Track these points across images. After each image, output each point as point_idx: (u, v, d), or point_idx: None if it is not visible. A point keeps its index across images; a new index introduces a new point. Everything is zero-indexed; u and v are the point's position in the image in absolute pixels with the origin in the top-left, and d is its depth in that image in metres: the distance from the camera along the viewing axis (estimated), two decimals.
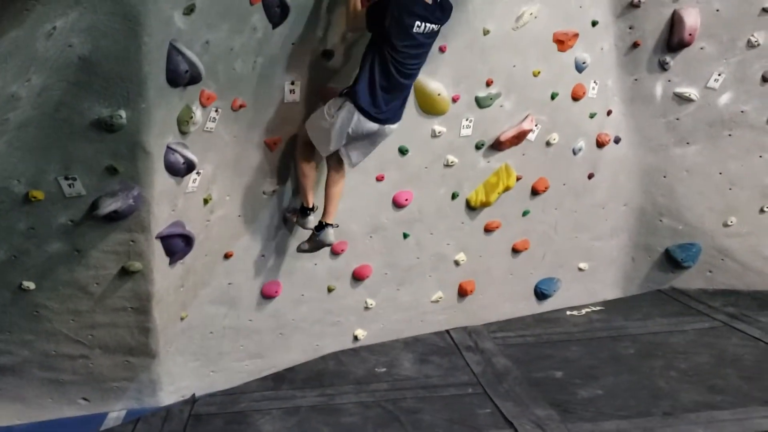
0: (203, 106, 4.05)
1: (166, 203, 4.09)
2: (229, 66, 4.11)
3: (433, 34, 4.50)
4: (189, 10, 3.47)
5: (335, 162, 4.78)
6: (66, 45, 3.06)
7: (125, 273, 4.15)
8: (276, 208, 5.06)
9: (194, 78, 3.72)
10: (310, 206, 4.87)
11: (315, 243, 4.88)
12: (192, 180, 4.24)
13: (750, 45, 5.81)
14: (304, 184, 4.84)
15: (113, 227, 3.93)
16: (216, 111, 4.20)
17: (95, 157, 3.62)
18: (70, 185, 3.68)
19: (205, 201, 4.52)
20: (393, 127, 4.65)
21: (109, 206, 3.77)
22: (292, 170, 4.97)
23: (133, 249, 4.07)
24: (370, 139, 4.65)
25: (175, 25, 3.45)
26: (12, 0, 2.37)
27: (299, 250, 5.00)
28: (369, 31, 4.40)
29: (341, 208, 5.01)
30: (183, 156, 3.97)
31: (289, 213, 5.07)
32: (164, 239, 4.18)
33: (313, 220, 4.88)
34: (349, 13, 4.46)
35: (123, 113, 3.47)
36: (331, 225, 4.85)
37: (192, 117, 3.93)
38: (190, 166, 4.06)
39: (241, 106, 4.41)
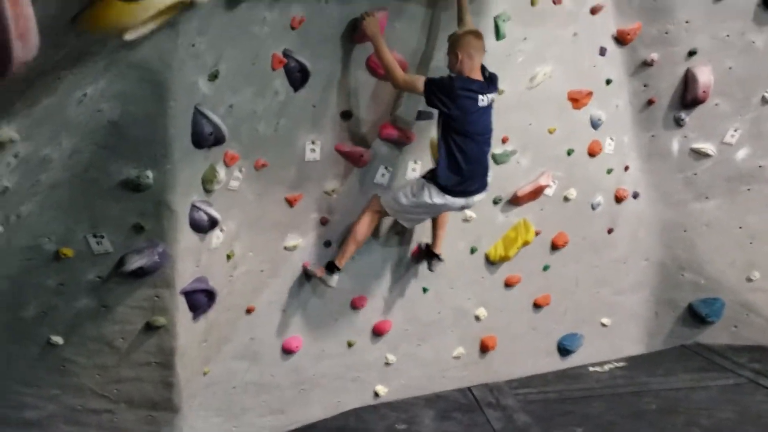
0: (227, 165, 4.22)
1: (190, 259, 4.22)
2: (252, 128, 4.30)
3: (492, 103, 4.69)
4: (213, 77, 3.67)
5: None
6: (96, 110, 3.25)
7: (150, 328, 4.26)
8: (297, 264, 5.17)
9: (218, 140, 3.90)
10: (341, 268, 5.02)
11: (322, 282, 5.09)
12: (216, 236, 4.38)
13: (764, 101, 5.89)
14: (350, 250, 5.00)
15: (139, 283, 4.06)
16: (240, 170, 4.37)
17: (122, 215, 3.78)
18: (98, 243, 3.83)
19: (228, 257, 4.65)
20: (482, 195, 4.86)
21: (135, 263, 3.91)
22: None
23: (157, 304, 4.19)
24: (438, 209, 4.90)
25: (200, 90, 3.64)
26: (45, 70, 2.55)
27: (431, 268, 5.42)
28: (428, 104, 4.60)
29: (360, 264, 5.12)
30: (207, 213, 4.12)
31: (311, 268, 5.18)
32: (188, 294, 4.30)
33: (337, 279, 5.02)
34: (394, 76, 4.55)
35: (150, 174, 3.63)
36: (439, 257, 5.35)
37: (216, 176, 4.09)
38: (213, 223, 4.20)
39: (263, 165, 4.57)
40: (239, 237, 4.70)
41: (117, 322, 4.20)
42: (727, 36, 5.69)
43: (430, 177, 4.72)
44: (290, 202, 4.92)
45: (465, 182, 4.66)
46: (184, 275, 4.24)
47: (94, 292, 4.05)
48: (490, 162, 5.46)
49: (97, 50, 2.75)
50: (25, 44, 1.72)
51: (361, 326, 5.56)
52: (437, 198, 4.68)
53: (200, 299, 4.43)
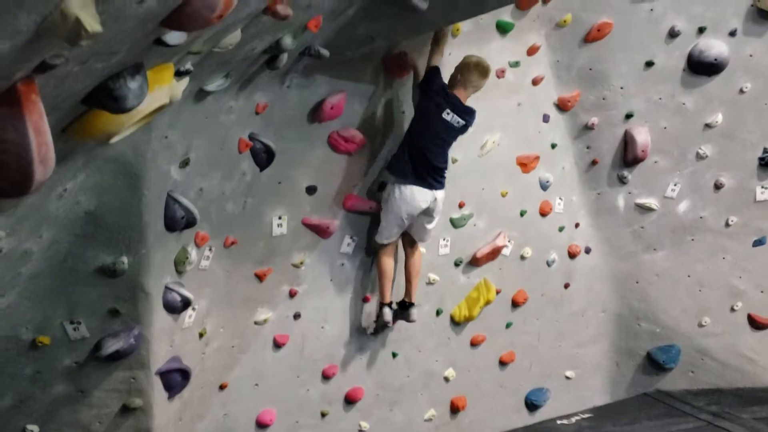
0: (198, 246, 4.37)
1: (165, 340, 4.31)
2: (221, 208, 4.48)
3: (458, 129, 5.10)
4: (184, 164, 3.86)
5: (407, 244, 5.37)
6: (74, 202, 3.39)
7: (126, 410, 4.29)
8: (268, 337, 5.27)
9: (190, 222, 4.06)
10: (388, 302, 5.35)
11: (398, 320, 5.46)
12: (188, 316, 4.48)
13: (699, 157, 6.31)
14: (383, 283, 5.34)
15: (115, 366, 4.12)
16: (210, 249, 4.52)
17: (99, 300, 3.87)
18: (75, 329, 3.90)
19: (201, 335, 4.75)
20: (437, 193, 5.18)
21: (111, 346, 3.98)
22: (286, 297, 5.28)
23: (133, 386, 4.24)
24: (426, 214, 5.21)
25: (171, 177, 3.83)
26: None
27: (376, 332, 5.59)
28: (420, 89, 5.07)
29: (330, 333, 5.26)
30: (180, 294, 4.23)
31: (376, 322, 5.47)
32: (163, 375, 4.36)
33: (389, 312, 5.37)
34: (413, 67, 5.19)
35: (125, 259, 3.76)
36: (413, 304, 5.45)
37: (188, 257, 4.24)
38: (186, 303, 4.31)
39: (233, 243, 4.73)
40: (210, 314, 4.81)
41: (94, 407, 4.22)
42: (660, 99, 6.14)
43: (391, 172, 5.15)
44: (260, 277, 5.06)
45: (415, 172, 5.04)
46: (159, 356, 4.31)
47: (71, 377, 4.09)
48: (450, 226, 5.75)
49: (78, 150, 2.93)
50: (45, 167, 1.91)
51: (334, 395, 5.64)
52: (399, 193, 5.05)
53: (175, 379, 4.49)
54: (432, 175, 5.09)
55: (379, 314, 5.42)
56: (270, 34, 3.50)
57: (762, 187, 6.32)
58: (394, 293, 5.46)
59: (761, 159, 6.26)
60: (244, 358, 5.20)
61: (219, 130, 4.14)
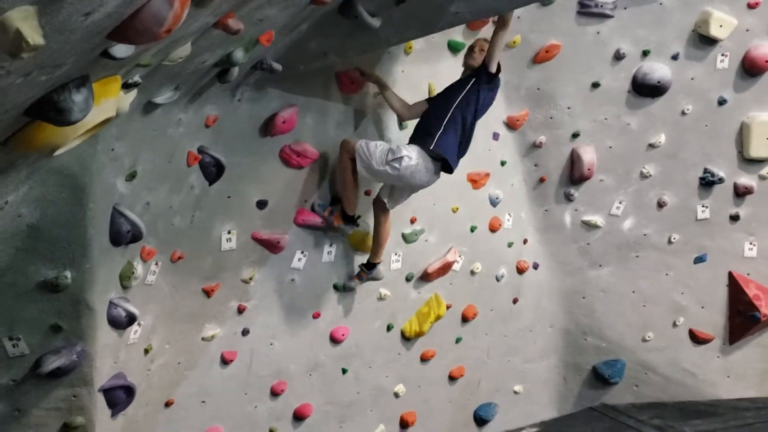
0: (144, 261, 4.29)
1: (109, 356, 4.20)
2: (168, 222, 4.41)
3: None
4: (131, 177, 3.79)
5: (383, 210, 5.28)
6: (16, 215, 3.30)
7: (67, 429, 4.15)
8: (215, 354, 5.19)
9: (136, 236, 3.98)
10: (353, 216, 5.31)
11: (366, 280, 5.46)
12: (134, 332, 4.38)
13: (643, 176, 6.50)
14: (352, 197, 5.22)
15: (56, 384, 3.99)
16: (156, 264, 4.44)
17: (40, 316, 3.75)
18: (14, 345, 3.77)
19: (146, 351, 4.65)
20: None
21: (52, 363, 3.85)
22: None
23: (75, 404, 4.11)
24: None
25: (117, 190, 3.75)
26: None
27: (347, 288, 5.58)
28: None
29: (278, 349, 5.21)
30: (125, 309, 4.14)
31: (328, 216, 5.31)
32: (106, 392, 4.24)
33: (382, 270, 5.49)
34: (397, 110, 5.30)
35: (68, 274, 3.66)
36: (380, 263, 5.45)
37: (134, 272, 4.15)
38: (131, 319, 4.21)
39: (180, 258, 4.66)
40: (157, 330, 4.72)
41: (32, 426, 4.07)
42: (605, 119, 6.31)
43: (434, 148, 4.95)
44: (207, 293, 4.99)
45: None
46: (103, 372, 4.20)
47: (8, 396, 3.94)
48: (401, 241, 5.78)
49: (20, 161, 2.85)
50: None
51: (282, 412, 5.58)
52: (429, 170, 4.99)
53: (119, 396, 4.38)
54: None
55: (371, 274, 5.45)
56: (221, 48, 3.48)
57: (702, 206, 6.54)
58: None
59: (702, 179, 6.47)
60: (191, 375, 5.11)
61: (167, 143, 4.08)
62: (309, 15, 3.88)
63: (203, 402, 5.19)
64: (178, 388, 5.06)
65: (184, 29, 2.58)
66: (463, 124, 4.97)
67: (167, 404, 5.02)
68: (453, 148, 4.99)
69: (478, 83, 4.97)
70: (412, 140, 5.07)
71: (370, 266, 5.44)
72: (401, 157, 4.87)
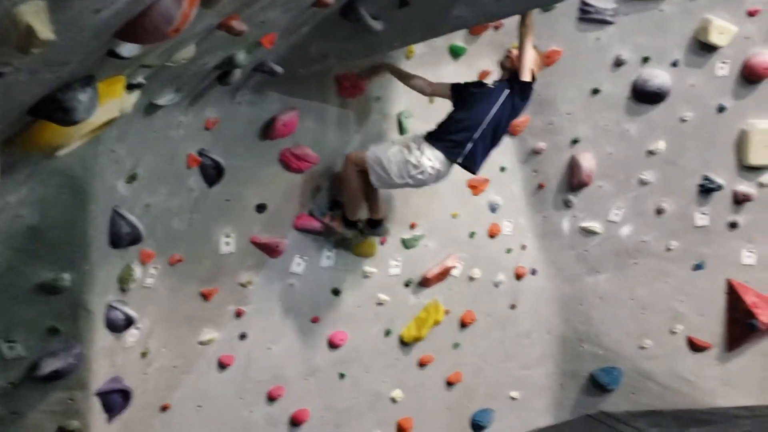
0: (143, 263, 4.26)
1: (106, 359, 4.17)
2: (167, 225, 4.38)
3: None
4: (131, 179, 3.77)
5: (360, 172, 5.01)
6: (15, 216, 3.27)
7: None
8: (212, 358, 5.16)
9: (135, 239, 3.95)
10: (355, 220, 5.21)
11: (342, 235, 5.25)
12: (131, 335, 4.35)
13: (642, 182, 6.49)
14: (356, 205, 5.14)
15: (52, 386, 3.95)
16: (155, 267, 4.41)
17: (38, 318, 3.72)
18: (10, 347, 3.73)
19: (143, 354, 4.61)
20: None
21: (49, 366, 3.81)
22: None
23: (71, 407, 4.07)
24: None
25: (118, 192, 3.73)
26: None
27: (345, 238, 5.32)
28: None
29: (276, 353, 5.18)
30: (123, 312, 4.10)
31: (329, 222, 5.24)
32: (103, 395, 4.21)
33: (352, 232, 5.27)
34: (419, 87, 5.03)
35: (67, 276, 3.63)
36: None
37: (132, 275, 4.12)
38: (129, 322, 4.18)
39: (178, 261, 4.63)
40: (154, 333, 4.68)
41: (28, 429, 4.03)
42: (605, 125, 6.30)
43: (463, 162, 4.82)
44: (205, 296, 4.95)
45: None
46: (99, 376, 4.16)
47: (4, 399, 3.89)
48: (401, 246, 5.76)
49: (22, 162, 2.82)
50: None
51: (279, 417, 5.55)
52: (443, 173, 4.85)
53: (115, 400, 4.34)
54: None
55: (344, 232, 5.26)
56: (223, 50, 3.46)
57: (701, 213, 6.54)
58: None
59: (701, 186, 6.48)
60: (187, 379, 5.07)
61: (168, 145, 4.06)
62: (311, 17, 3.87)
63: (199, 406, 5.15)
64: (174, 392, 5.02)
65: (191, 30, 2.56)
66: (493, 138, 4.84)
67: (163, 408, 4.98)
68: (481, 159, 4.89)
69: (512, 95, 4.80)
70: (435, 141, 4.77)
71: (374, 223, 5.25)
72: (424, 170, 4.74)
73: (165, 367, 4.90)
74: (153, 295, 4.52)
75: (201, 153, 4.42)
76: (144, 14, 1.96)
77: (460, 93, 4.88)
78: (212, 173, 4.55)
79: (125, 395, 4.41)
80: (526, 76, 4.78)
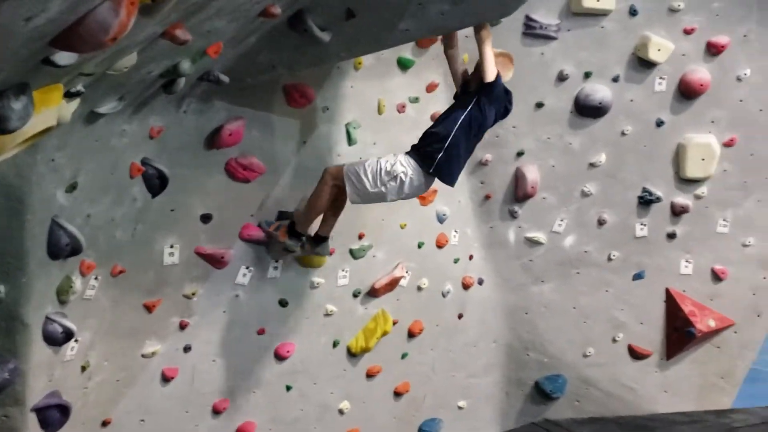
0: (83, 275, 4.16)
1: (43, 374, 4.05)
2: (109, 235, 4.29)
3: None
4: (71, 188, 3.68)
5: (335, 186, 4.97)
6: None
7: None
8: (156, 371, 5.06)
9: (75, 250, 3.86)
10: (304, 234, 5.13)
11: (286, 246, 5.13)
12: (70, 348, 4.24)
13: (584, 194, 6.65)
14: (311, 218, 5.07)
15: None
16: (96, 278, 4.31)
17: None
18: None
19: (83, 368, 4.50)
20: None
21: None
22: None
23: (5, 425, 3.95)
24: None
25: (57, 202, 3.64)
26: None
27: (286, 249, 5.19)
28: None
29: (221, 366, 5.11)
30: (62, 325, 4.00)
31: (273, 231, 5.15)
32: (40, 411, 4.10)
33: (298, 245, 5.16)
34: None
35: (2, 288, 3.53)
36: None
37: (72, 287, 4.02)
38: (68, 335, 4.08)
39: (120, 272, 4.54)
40: (95, 346, 4.58)
41: None
42: (548, 138, 6.44)
43: (435, 171, 4.81)
44: (149, 308, 4.87)
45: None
46: (36, 391, 4.05)
47: None
48: (349, 256, 5.77)
49: None
50: None
51: (224, 430, 5.47)
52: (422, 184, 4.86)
53: (53, 415, 4.23)
54: None
55: (287, 244, 5.13)
56: (168, 58, 3.43)
57: (641, 224, 6.73)
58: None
59: (640, 198, 6.66)
60: (130, 393, 4.97)
61: (110, 154, 3.98)
62: (258, 27, 3.86)
63: (142, 420, 5.05)
64: (117, 406, 4.91)
65: (131, 38, 2.53)
66: (466, 147, 4.87)
67: (104, 423, 4.86)
68: (453, 169, 4.89)
69: (479, 102, 4.82)
70: (411, 152, 4.85)
71: (294, 233, 5.14)
72: (397, 176, 4.74)
73: (107, 380, 4.79)
74: (94, 307, 4.42)
75: (144, 162, 4.35)
76: (79, 22, 1.93)
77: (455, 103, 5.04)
78: (156, 183, 4.48)
79: (64, 410, 4.30)
80: (488, 78, 4.79)
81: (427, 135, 4.91)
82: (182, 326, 5.11)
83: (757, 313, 6.93)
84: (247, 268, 5.26)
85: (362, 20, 4.05)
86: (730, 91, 6.38)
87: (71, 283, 4.03)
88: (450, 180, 4.96)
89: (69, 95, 2.81)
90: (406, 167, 4.76)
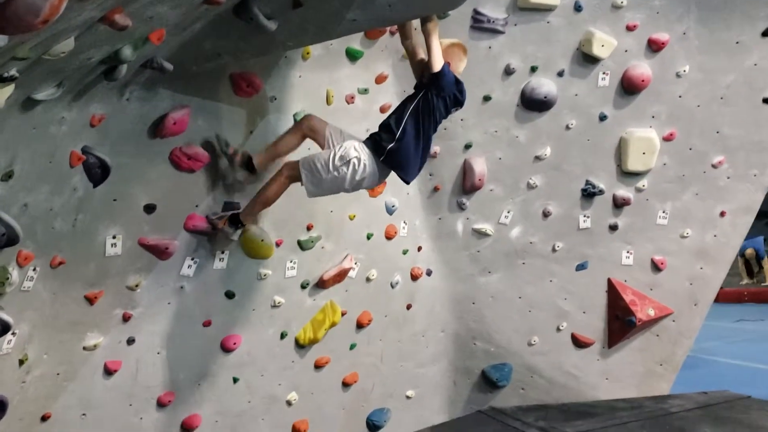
0: (20, 266, 4.05)
1: None
2: (48, 225, 4.18)
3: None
4: (7, 176, 3.58)
5: (290, 179, 4.94)
6: None
7: None
8: (98, 364, 4.96)
9: (11, 240, 3.76)
10: (245, 224, 5.13)
11: (223, 234, 5.14)
12: (7, 341, 4.13)
13: (530, 186, 6.77)
14: (257, 210, 5.07)
15: None
16: (34, 270, 4.20)
17: None
18: None
19: (21, 362, 4.38)
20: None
21: None
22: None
23: None
24: None
25: None
26: None
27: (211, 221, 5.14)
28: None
29: (166, 358, 5.05)
30: None
31: (214, 218, 5.11)
32: None
33: (239, 233, 5.21)
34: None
35: None
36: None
37: (8, 278, 3.92)
38: (5, 328, 3.98)
39: (60, 263, 4.43)
40: (33, 339, 4.46)
41: None
42: (496, 131, 6.53)
43: (386, 161, 4.83)
44: (90, 300, 4.77)
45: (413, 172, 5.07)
46: None
47: None
48: (297, 248, 5.74)
49: None
50: None
51: (169, 423, 5.40)
52: (376, 177, 4.90)
53: None
54: None
55: (226, 231, 5.10)
56: (108, 44, 3.35)
57: (584, 216, 6.88)
58: None
59: (584, 190, 6.81)
60: (71, 386, 4.86)
61: (49, 142, 3.88)
62: (202, 14, 3.81)
63: (84, 415, 4.95)
64: (57, 400, 4.80)
65: (66, 22, 2.46)
66: (417, 139, 4.86)
67: (44, 418, 4.74)
68: (404, 160, 4.88)
69: (427, 93, 4.86)
70: (368, 140, 4.90)
71: (235, 221, 5.09)
72: (350, 161, 4.75)
73: (46, 374, 4.67)
74: (32, 299, 4.30)
75: (85, 151, 4.25)
76: (8, 4, 1.87)
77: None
78: (97, 172, 4.38)
79: (0, 405, 4.18)
80: (435, 68, 4.81)
81: (381, 125, 4.97)
82: (125, 318, 5.01)
83: (694, 302, 7.16)
84: (193, 259, 5.19)
85: (309, 9, 4.02)
86: (670, 87, 6.55)
87: (8, 274, 3.92)
88: (404, 172, 4.98)
89: (2, 80, 2.73)
90: (359, 152, 4.79)
